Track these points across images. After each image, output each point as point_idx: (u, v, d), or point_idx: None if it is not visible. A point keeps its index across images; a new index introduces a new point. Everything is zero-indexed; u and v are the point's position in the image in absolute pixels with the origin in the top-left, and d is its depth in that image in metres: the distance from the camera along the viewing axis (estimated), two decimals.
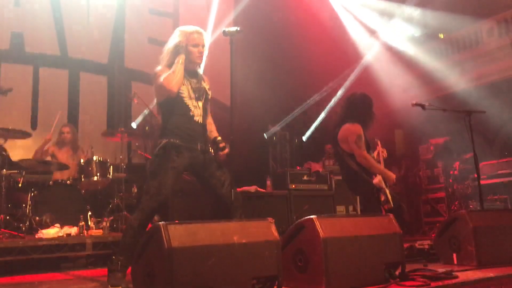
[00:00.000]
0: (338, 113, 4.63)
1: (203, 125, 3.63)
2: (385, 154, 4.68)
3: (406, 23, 10.63)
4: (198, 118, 3.59)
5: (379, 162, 4.51)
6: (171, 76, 3.44)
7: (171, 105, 3.57)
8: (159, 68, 3.61)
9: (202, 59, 3.66)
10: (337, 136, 4.43)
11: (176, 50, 3.56)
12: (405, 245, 3.85)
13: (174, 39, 3.62)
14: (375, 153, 4.57)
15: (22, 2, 7.23)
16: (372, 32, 10.18)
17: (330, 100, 9.30)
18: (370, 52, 10.03)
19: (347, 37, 10.00)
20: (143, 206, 3.39)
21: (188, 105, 3.56)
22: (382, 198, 4.25)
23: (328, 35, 9.21)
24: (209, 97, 3.72)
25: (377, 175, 4.26)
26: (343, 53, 9.60)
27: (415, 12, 10.60)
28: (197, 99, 3.61)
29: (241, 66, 8.27)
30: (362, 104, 4.49)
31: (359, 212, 7.21)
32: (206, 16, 8.75)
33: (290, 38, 8.91)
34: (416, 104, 4.84)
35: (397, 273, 2.92)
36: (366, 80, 9.41)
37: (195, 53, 3.60)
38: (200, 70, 3.77)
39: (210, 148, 3.66)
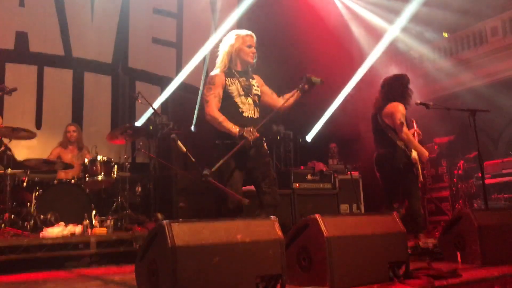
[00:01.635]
0: (379, 95, 4.93)
1: (255, 119, 3.91)
2: (420, 134, 5.09)
3: (411, 22, 10.60)
4: (248, 113, 3.90)
5: None
6: (215, 122, 3.83)
7: (222, 105, 3.89)
8: (215, 72, 3.98)
9: (254, 59, 4.00)
10: (381, 111, 4.79)
11: (231, 52, 3.96)
12: (409, 244, 3.85)
13: (229, 42, 4.01)
14: (412, 131, 4.97)
15: (26, 2, 7.25)
16: (377, 31, 10.16)
17: (334, 99, 9.29)
18: (375, 51, 10.01)
19: (351, 36, 9.99)
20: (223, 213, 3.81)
21: (237, 103, 3.89)
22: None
23: (333, 34, 9.21)
24: (259, 93, 4.04)
25: (413, 150, 4.71)
26: (348, 53, 9.59)
27: (420, 10, 10.58)
28: (246, 95, 3.94)
29: None
30: (401, 84, 4.85)
31: (363, 211, 7.21)
32: (210, 16, 8.77)
33: (293, 38, 8.90)
34: (420, 104, 4.84)
35: (401, 271, 2.92)
36: (371, 79, 9.39)
37: (249, 53, 3.97)
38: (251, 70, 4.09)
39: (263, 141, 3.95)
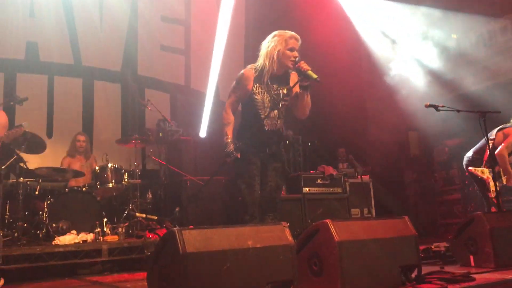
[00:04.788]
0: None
1: (275, 132, 3.78)
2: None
3: (420, 23, 10.55)
4: (270, 127, 3.75)
5: None
6: (221, 120, 3.78)
7: (245, 110, 3.80)
8: (247, 69, 3.80)
9: (294, 64, 3.69)
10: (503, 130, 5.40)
11: (270, 54, 3.68)
12: (421, 247, 3.83)
13: (271, 43, 3.72)
14: None
15: (36, 13, 7.33)
16: (384, 33, 10.12)
17: (341, 104, 9.26)
18: (383, 53, 9.97)
19: (359, 39, 9.96)
20: None
21: (260, 114, 3.71)
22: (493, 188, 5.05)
23: (340, 37, 9.19)
24: (287, 102, 3.80)
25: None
26: (356, 56, 9.57)
27: (429, 12, 10.52)
28: (272, 108, 3.72)
29: None
30: None
31: (374, 215, 7.17)
32: (217, 23, 8.80)
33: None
34: (430, 106, 4.82)
35: (413, 275, 2.90)
36: (379, 82, 9.36)
37: (290, 57, 3.69)
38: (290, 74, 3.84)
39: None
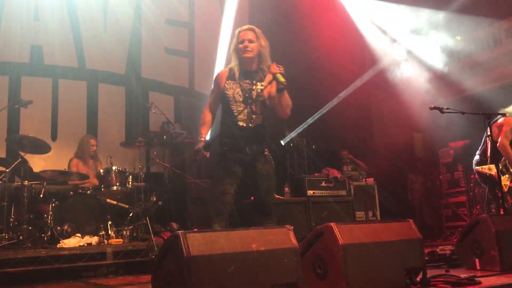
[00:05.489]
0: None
1: (251, 129, 3.68)
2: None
3: (425, 25, 10.53)
4: (244, 122, 3.68)
5: None
6: (201, 119, 3.81)
7: (222, 108, 3.76)
8: (221, 69, 3.89)
9: (247, 53, 3.70)
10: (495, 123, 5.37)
11: (233, 50, 3.79)
12: (426, 251, 3.81)
13: (232, 41, 3.84)
14: None
15: (41, 17, 7.37)
16: (389, 35, 10.11)
17: (346, 106, 9.25)
18: (388, 55, 9.96)
19: (363, 40, 9.95)
20: None
21: (233, 110, 3.68)
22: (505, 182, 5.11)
23: (343, 39, 9.19)
24: (262, 98, 3.72)
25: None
26: (360, 57, 9.56)
27: (434, 14, 10.50)
28: (244, 101, 3.68)
29: None
30: None
31: (378, 218, 7.15)
32: (221, 24, 8.81)
33: (304, 50, 8.87)
34: (434, 108, 4.80)
35: (418, 279, 2.88)
36: (384, 83, 9.35)
37: (241, 48, 3.72)
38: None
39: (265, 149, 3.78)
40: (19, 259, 4.41)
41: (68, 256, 4.65)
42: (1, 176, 5.34)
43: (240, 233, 2.51)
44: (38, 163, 6.44)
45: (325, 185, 6.89)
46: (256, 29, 3.81)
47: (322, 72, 8.76)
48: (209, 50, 8.42)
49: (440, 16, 10.08)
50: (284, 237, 2.60)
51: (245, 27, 3.82)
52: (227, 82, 3.73)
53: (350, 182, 7.15)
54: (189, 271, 2.23)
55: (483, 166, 5.40)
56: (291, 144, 8.22)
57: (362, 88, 9.21)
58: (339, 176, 7.01)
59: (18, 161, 5.40)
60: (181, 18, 8.70)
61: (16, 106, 5.84)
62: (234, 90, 3.70)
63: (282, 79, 3.54)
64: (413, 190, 9.77)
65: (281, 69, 3.58)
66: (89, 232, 5.37)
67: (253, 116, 3.69)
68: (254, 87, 3.73)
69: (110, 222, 5.61)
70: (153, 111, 7.04)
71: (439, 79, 10.58)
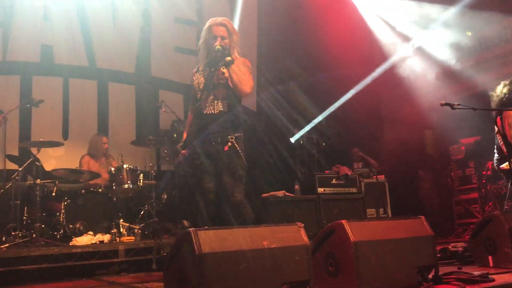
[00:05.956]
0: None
1: (215, 116, 3.62)
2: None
3: (435, 21, 10.45)
4: (208, 109, 3.64)
5: None
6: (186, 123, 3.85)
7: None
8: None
9: (219, 47, 3.66)
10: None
11: (201, 47, 3.80)
12: (438, 248, 3.79)
13: (202, 33, 3.83)
14: None
15: (51, 16, 7.40)
16: (399, 31, 10.04)
17: (356, 103, 9.21)
18: (398, 52, 9.89)
19: (372, 37, 9.90)
20: None
21: (199, 99, 3.70)
22: None
23: (352, 37, 9.14)
24: (225, 81, 3.66)
25: None
26: (370, 55, 9.51)
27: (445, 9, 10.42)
28: (206, 88, 3.66)
29: (266, 70, 8.29)
30: None
31: (390, 215, 7.12)
32: None
33: (313, 46, 8.85)
34: (445, 104, 4.75)
35: (430, 276, 2.87)
36: (394, 80, 9.29)
37: (212, 45, 3.72)
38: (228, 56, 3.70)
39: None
40: (32, 257, 4.46)
41: (81, 254, 4.69)
42: (14, 175, 5.40)
43: (251, 231, 2.51)
44: (49, 161, 6.50)
45: (335, 182, 6.87)
46: (228, 24, 3.78)
47: (332, 70, 8.73)
48: None
49: (450, 11, 10.00)
50: (295, 234, 2.60)
51: (218, 20, 3.77)
52: (195, 75, 3.80)
53: (361, 179, 7.11)
54: (201, 268, 2.24)
55: (507, 164, 5.28)
56: (301, 142, 8.21)
57: (372, 85, 9.17)
58: (349, 173, 6.97)
59: (30, 160, 5.45)
60: (189, 16, 8.69)
61: (28, 105, 5.89)
62: (198, 80, 3.75)
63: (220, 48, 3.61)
64: (424, 187, 9.70)
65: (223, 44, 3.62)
66: (101, 230, 5.42)
67: (215, 101, 3.65)
68: (216, 72, 3.70)
69: (121, 220, 5.64)
70: (163, 109, 7.06)
71: (450, 75, 10.50)
